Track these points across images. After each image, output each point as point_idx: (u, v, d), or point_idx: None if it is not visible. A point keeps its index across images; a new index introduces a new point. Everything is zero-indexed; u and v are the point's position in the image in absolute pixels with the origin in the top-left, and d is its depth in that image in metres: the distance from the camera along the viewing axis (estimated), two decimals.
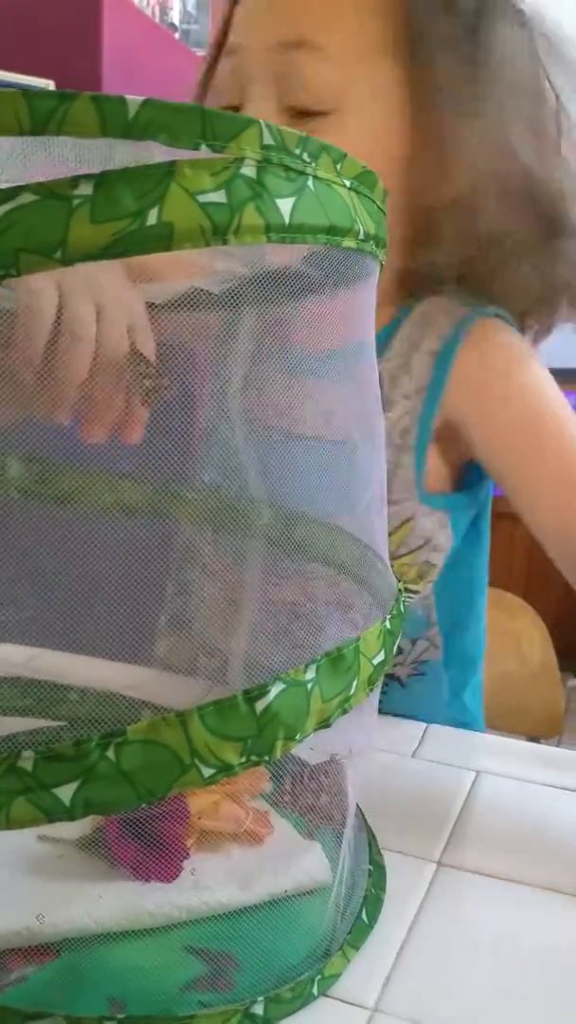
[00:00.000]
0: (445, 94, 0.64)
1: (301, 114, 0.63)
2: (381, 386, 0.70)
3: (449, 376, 0.69)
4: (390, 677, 0.77)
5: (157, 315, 0.45)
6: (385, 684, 0.76)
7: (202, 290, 0.45)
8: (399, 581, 0.73)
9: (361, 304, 0.44)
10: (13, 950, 0.43)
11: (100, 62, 1.63)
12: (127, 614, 0.47)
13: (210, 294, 0.45)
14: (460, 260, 0.70)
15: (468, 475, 0.74)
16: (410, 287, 0.74)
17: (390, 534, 0.70)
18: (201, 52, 1.50)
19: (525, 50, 0.65)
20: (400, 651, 0.76)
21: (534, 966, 0.46)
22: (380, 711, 0.76)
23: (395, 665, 0.77)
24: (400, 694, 0.77)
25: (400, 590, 0.47)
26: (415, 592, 0.74)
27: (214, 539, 0.54)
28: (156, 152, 0.35)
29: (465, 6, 0.64)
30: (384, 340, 0.72)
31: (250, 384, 0.49)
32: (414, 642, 0.77)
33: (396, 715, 0.73)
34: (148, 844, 0.46)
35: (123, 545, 0.49)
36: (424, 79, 0.64)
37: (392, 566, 0.72)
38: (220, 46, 0.66)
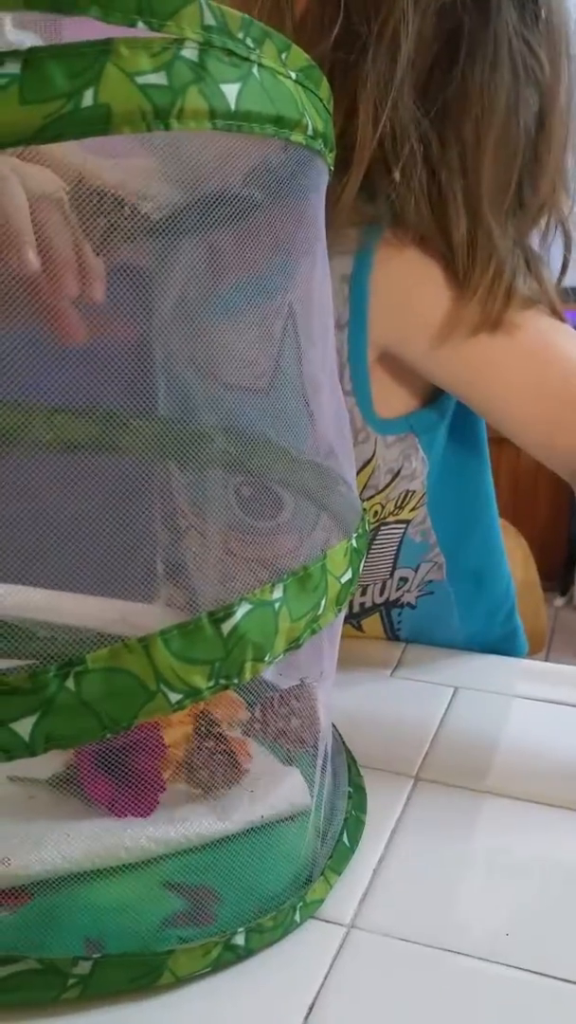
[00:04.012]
0: None
1: None
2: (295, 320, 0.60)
3: (369, 305, 0.57)
4: (401, 605, 0.69)
5: (101, 242, 0.39)
6: (399, 612, 0.69)
7: (141, 215, 0.39)
8: (374, 521, 0.65)
9: (314, 219, 0.39)
10: None
11: None
12: (90, 549, 0.42)
13: (148, 220, 0.39)
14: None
15: (431, 387, 0.62)
16: None
17: None
18: None
19: None
20: (404, 581, 0.68)
21: (509, 875, 0.42)
22: (399, 640, 0.68)
23: (403, 594, 0.68)
24: (413, 616, 0.69)
25: (366, 510, 0.41)
26: (406, 521, 0.65)
27: (168, 468, 0.48)
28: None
29: None
30: None
31: (193, 312, 0.43)
32: (416, 568, 0.68)
33: (413, 641, 0.66)
34: (123, 779, 0.40)
35: (75, 479, 0.43)
36: None
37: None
38: None
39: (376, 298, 0.57)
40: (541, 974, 0.37)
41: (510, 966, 0.37)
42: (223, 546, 0.50)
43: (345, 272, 0.57)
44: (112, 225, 0.37)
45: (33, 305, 0.37)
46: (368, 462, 0.62)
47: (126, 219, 0.37)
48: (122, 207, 0.37)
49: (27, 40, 0.31)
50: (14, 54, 0.28)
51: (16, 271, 0.35)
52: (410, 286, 0.57)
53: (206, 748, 0.40)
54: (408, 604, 0.68)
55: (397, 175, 0.52)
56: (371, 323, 0.57)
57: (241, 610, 0.34)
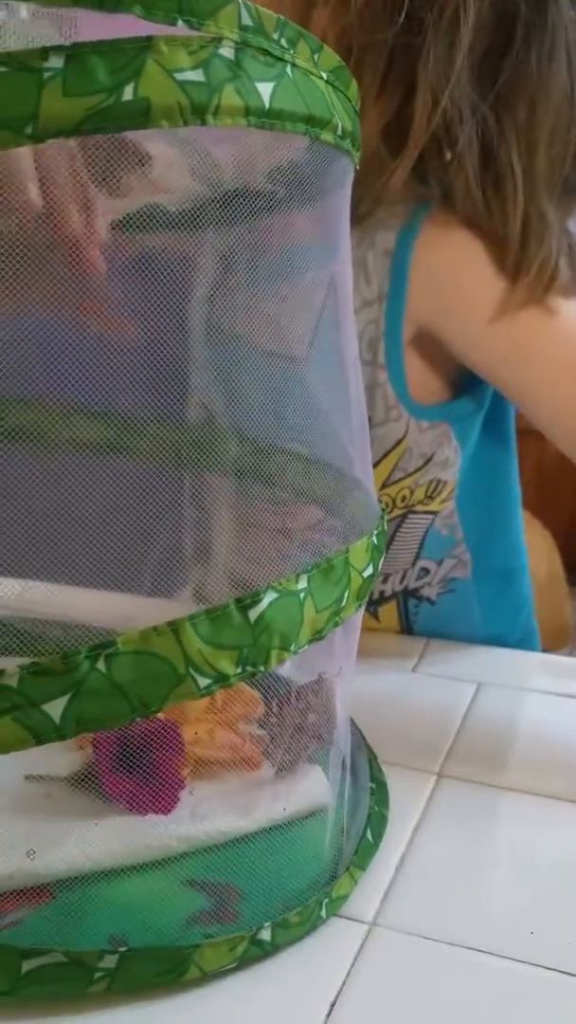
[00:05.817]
0: None
1: None
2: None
3: (409, 280, 0.56)
4: (419, 598, 0.67)
5: (113, 234, 0.39)
6: (416, 605, 0.68)
7: (158, 208, 0.39)
8: (402, 507, 0.63)
9: (335, 216, 0.39)
10: (5, 893, 0.37)
11: None
12: (103, 547, 0.41)
13: (167, 212, 0.39)
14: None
15: (467, 376, 0.61)
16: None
17: (379, 460, 0.61)
18: None
19: None
20: (426, 572, 0.67)
21: (533, 872, 0.41)
22: (413, 633, 0.68)
23: (423, 586, 0.67)
24: (431, 613, 0.67)
25: (383, 509, 0.41)
26: (434, 513, 0.64)
27: (182, 472, 0.47)
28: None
29: None
30: None
31: (210, 306, 0.43)
32: (440, 562, 0.66)
33: (429, 635, 0.65)
34: (142, 776, 0.39)
35: (89, 478, 0.43)
36: None
37: (384, 494, 0.61)
38: None
39: (417, 274, 0.57)
40: (566, 973, 0.36)
41: (534, 964, 0.36)
42: (248, 519, 0.49)
43: (388, 247, 0.57)
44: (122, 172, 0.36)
45: (45, 241, 0.36)
46: (399, 442, 0.60)
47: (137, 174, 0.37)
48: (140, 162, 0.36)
49: (44, 36, 0.31)
50: (58, 49, 0.29)
51: (20, 207, 0.35)
52: (453, 264, 0.57)
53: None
54: (428, 599, 0.67)
55: (449, 155, 0.53)
56: (410, 299, 0.57)
57: (267, 598, 0.33)
